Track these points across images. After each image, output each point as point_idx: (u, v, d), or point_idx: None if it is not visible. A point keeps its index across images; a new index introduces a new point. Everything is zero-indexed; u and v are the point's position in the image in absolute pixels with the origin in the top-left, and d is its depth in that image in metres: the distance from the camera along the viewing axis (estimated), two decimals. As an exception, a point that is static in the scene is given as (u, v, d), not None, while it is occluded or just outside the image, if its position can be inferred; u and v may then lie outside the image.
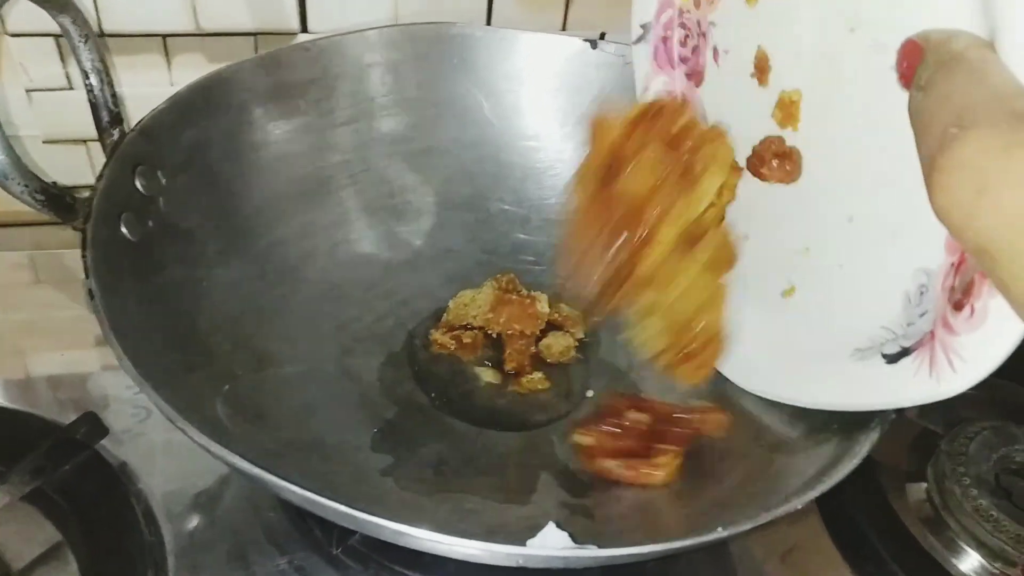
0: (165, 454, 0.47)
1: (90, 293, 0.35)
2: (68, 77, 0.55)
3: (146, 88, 0.55)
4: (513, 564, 0.33)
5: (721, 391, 0.47)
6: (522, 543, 0.34)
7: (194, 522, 0.44)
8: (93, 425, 0.45)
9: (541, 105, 0.57)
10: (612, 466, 0.42)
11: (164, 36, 0.55)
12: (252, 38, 0.57)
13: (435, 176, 0.56)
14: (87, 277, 0.35)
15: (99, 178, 0.39)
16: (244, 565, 0.43)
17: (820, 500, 0.47)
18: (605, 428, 0.43)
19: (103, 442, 0.46)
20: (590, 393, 0.50)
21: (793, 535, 0.47)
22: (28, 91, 0.55)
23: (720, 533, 0.32)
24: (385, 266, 0.54)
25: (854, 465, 0.36)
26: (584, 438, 0.44)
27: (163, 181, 0.44)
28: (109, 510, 0.43)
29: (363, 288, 0.52)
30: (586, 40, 0.56)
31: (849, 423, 0.39)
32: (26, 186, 0.37)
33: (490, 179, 0.57)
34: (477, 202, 0.57)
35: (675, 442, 0.42)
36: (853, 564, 0.46)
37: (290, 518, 0.45)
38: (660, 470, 0.41)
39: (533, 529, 0.39)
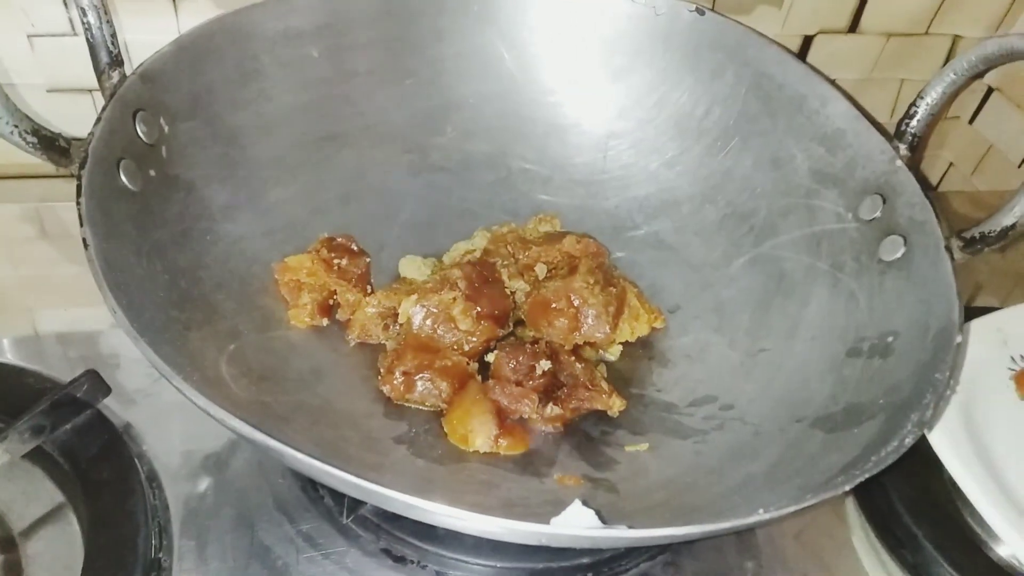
0: (174, 416, 0.45)
1: (84, 243, 0.32)
2: (71, 22, 0.53)
3: (152, 35, 0.52)
4: (534, 543, 0.30)
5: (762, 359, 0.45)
6: (545, 521, 0.31)
7: (201, 486, 0.43)
8: (94, 383, 0.43)
9: (567, 58, 0.54)
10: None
11: (171, -20, 0.52)
12: (262, -17, 0.53)
13: (453, 132, 0.53)
14: (81, 225, 0.33)
15: (97, 122, 0.37)
16: (251, 531, 0.41)
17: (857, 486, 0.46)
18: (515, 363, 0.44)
19: (109, 403, 0.44)
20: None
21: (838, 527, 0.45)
22: (30, 37, 0.52)
23: (761, 516, 0.29)
24: (400, 225, 0.52)
25: (908, 444, 0.33)
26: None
27: (166, 129, 0.41)
28: (112, 472, 0.42)
29: (375, 248, 0.50)
30: (617, -12, 0.52)
31: (897, 400, 0.37)
32: (15, 126, 0.34)
33: (511, 136, 0.54)
34: (497, 160, 0.54)
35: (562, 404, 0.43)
36: (888, 545, 0.44)
37: (300, 485, 0.43)
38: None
39: (554, 504, 0.37)
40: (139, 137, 0.40)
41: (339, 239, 0.48)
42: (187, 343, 0.36)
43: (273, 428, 0.31)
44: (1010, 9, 0.67)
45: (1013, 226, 0.39)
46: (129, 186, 0.38)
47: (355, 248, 0.49)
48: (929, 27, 0.66)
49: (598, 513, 0.31)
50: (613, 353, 0.47)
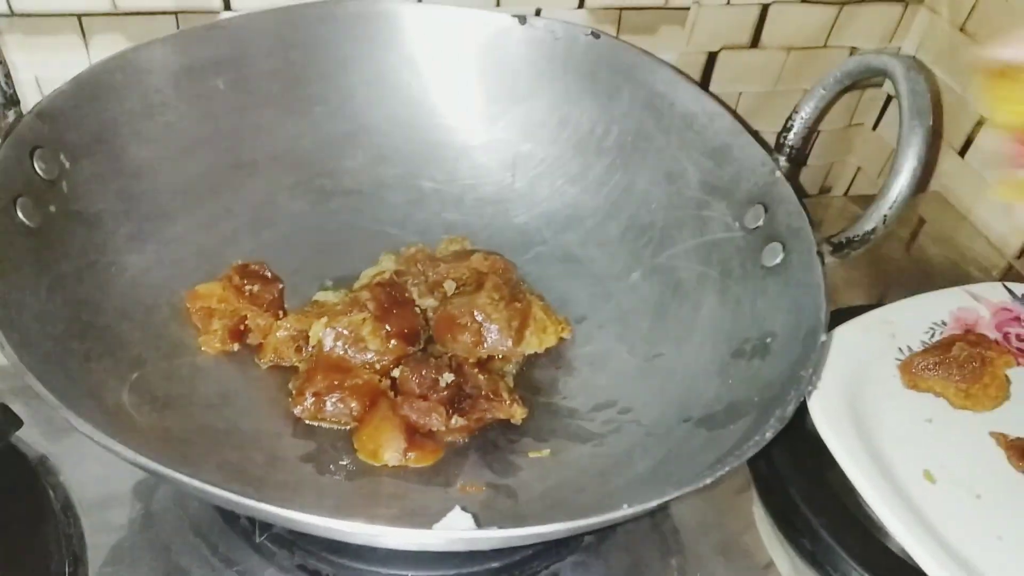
0: (91, 446, 0.45)
1: (-26, 281, 0.33)
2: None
3: (63, 70, 0.53)
4: (416, 548, 0.32)
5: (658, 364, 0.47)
6: (428, 527, 0.33)
7: (118, 513, 0.43)
8: (5, 416, 0.44)
9: (471, 82, 0.56)
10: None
11: (80, 16, 0.53)
12: (174, 17, 0.55)
13: (364, 156, 0.55)
14: (-29, 264, 0.34)
15: (-9, 162, 0.38)
16: (168, 557, 0.42)
17: (758, 477, 0.48)
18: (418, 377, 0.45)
19: (25, 435, 0.45)
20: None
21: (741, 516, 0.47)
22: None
23: (625, 510, 0.31)
24: (315, 248, 0.53)
25: (768, 439, 0.35)
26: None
27: (66, 165, 0.42)
28: (23, 503, 0.42)
29: (290, 271, 0.51)
30: (514, 16, 0.54)
31: (768, 397, 0.39)
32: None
33: (421, 159, 0.56)
34: (409, 182, 0.56)
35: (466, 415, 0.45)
36: (788, 535, 0.46)
37: (216, 508, 0.44)
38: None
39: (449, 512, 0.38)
40: (37, 174, 0.41)
41: (252, 265, 0.50)
42: (88, 374, 0.37)
43: (173, 453, 0.33)
44: (900, 22, 0.71)
45: (873, 230, 0.42)
46: (27, 223, 0.39)
47: (268, 274, 0.50)
48: (827, 40, 0.70)
49: (475, 517, 0.33)
50: (513, 368, 0.49)
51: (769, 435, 0.35)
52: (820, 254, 0.43)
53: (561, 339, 0.51)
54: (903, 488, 0.45)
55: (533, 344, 0.49)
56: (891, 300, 0.57)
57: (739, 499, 0.48)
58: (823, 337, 0.39)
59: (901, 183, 0.40)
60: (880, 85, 0.75)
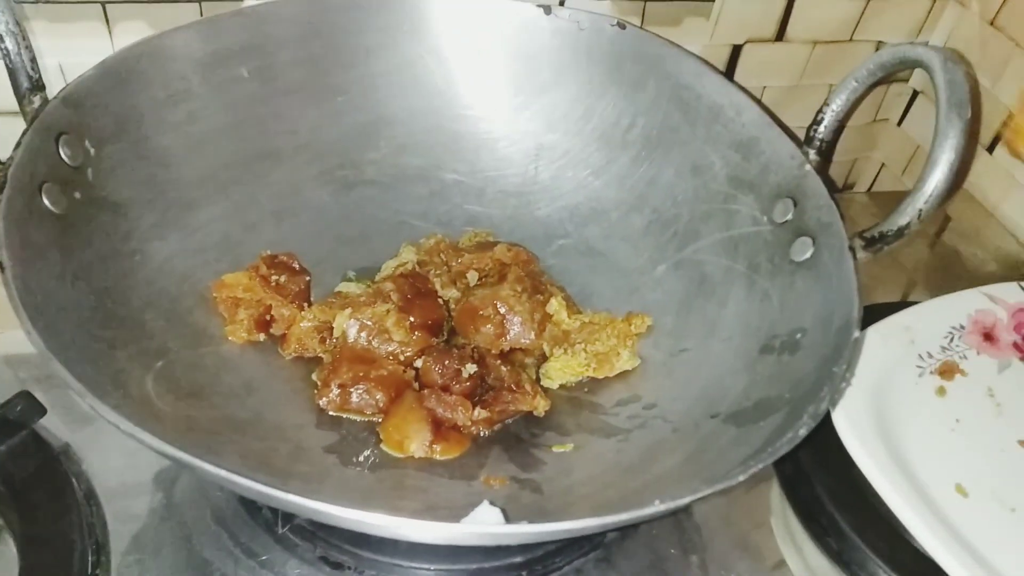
0: (114, 435, 0.45)
1: (0, 266, 0.33)
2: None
3: (86, 57, 0.52)
4: (443, 543, 0.32)
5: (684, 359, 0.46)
6: (455, 521, 0.32)
7: (140, 502, 0.43)
8: (28, 404, 0.44)
9: (495, 73, 0.55)
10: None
11: (104, 3, 0.53)
12: (197, 4, 0.54)
13: (386, 147, 0.54)
14: (-1, 250, 0.34)
15: (16, 146, 0.38)
16: (189, 545, 0.42)
17: (783, 476, 0.47)
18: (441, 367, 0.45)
19: (49, 424, 0.45)
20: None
21: (759, 511, 0.47)
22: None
23: (657, 507, 0.31)
24: (337, 239, 0.53)
25: (802, 435, 0.34)
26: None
27: (91, 151, 0.42)
28: (47, 491, 0.42)
29: (312, 262, 0.51)
30: (539, 6, 0.54)
31: (800, 393, 0.38)
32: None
33: (443, 150, 0.55)
34: (431, 173, 0.55)
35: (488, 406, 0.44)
36: (813, 533, 0.46)
37: (238, 498, 0.44)
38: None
39: (478, 505, 0.38)
40: (63, 160, 0.40)
41: (281, 256, 0.49)
42: (112, 362, 0.37)
43: (199, 443, 0.32)
44: (928, 15, 0.70)
45: (908, 225, 0.41)
46: (53, 209, 0.39)
47: (296, 266, 0.50)
48: (853, 34, 0.69)
49: (504, 511, 0.32)
50: (534, 361, 0.48)
51: (803, 432, 0.34)
52: (852, 249, 0.42)
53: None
54: (936, 504, 0.44)
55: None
56: (915, 298, 0.56)
57: (760, 497, 0.48)
58: (856, 333, 0.38)
59: (937, 177, 0.39)
60: (906, 80, 0.74)
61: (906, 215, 0.41)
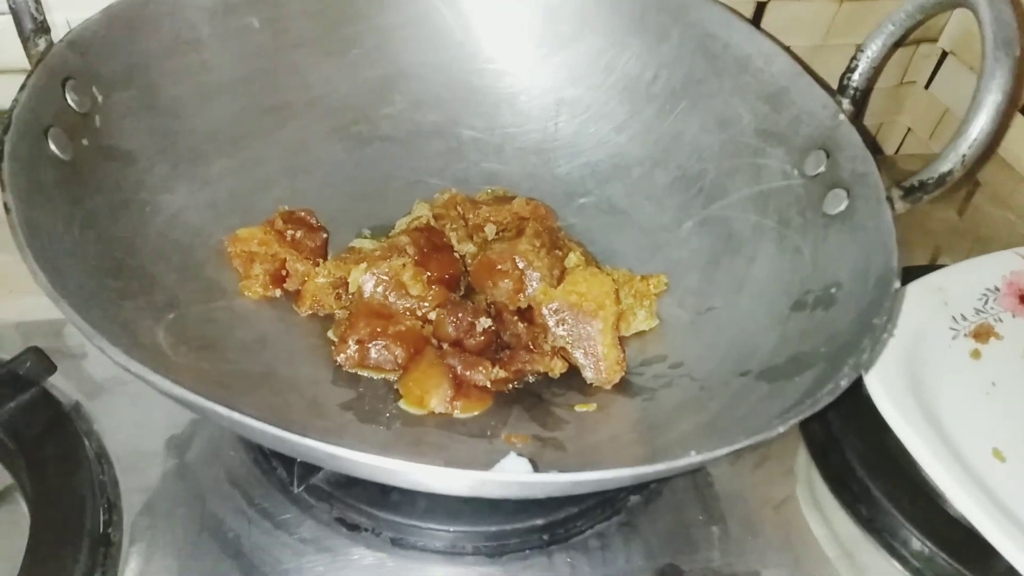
0: (126, 394, 0.44)
1: (5, 207, 0.32)
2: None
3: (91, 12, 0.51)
4: (470, 493, 0.30)
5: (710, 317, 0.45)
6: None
7: (152, 462, 0.42)
8: (38, 360, 0.43)
9: (515, 25, 0.53)
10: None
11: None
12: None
13: (402, 102, 0.53)
14: (3, 191, 0.32)
15: (22, 88, 0.36)
16: (202, 505, 0.41)
17: (813, 442, 0.46)
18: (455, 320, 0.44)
19: (59, 382, 0.44)
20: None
21: (788, 484, 0.45)
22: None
23: (693, 458, 0.29)
24: (351, 196, 0.51)
25: (844, 386, 0.33)
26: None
27: (99, 98, 0.41)
28: (58, 449, 0.41)
29: (325, 219, 0.49)
30: (561, -47, 0.52)
31: (837, 347, 0.37)
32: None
33: (461, 105, 0.53)
34: (447, 129, 0.54)
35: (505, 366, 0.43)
36: (844, 500, 0.44)
37: (252, 458, 0.43)
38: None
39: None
40: (70, 106, 0.39)
41: (300, 212, 0.48)
42: (121, 311, 0.36)
43: (211, 393, 0.31)
44: (961, -29, 0.67)
45: (950, 172, 0.39)
46: (59, 155, 0.38)
47: (314, 222, 0.48)
48: (883, -10, 0.66)
49: (532, 462, 0.31)
50: None
51: (844, 383, 0.33)
52: (889, 199, 0.41)
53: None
54: (974, 469, 0.43)
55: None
56: (943, 261, 0.54)
57: (785, 464, 0.46)
58: (897, 284, 0.37)
59: (983, 119, 0.37)
60: (935, 40, 0.72)
61: (948, 161, 0.39)
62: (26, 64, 0.47)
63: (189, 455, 0.43)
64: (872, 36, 0.45)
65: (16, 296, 0.49)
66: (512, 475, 0.31)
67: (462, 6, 0.53)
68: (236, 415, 0.27)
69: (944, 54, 0.72)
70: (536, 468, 0.32)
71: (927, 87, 0.74)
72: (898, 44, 0.46)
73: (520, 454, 0.33)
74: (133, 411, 0.44)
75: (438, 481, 0.29)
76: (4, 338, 0.47)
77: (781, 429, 0.31)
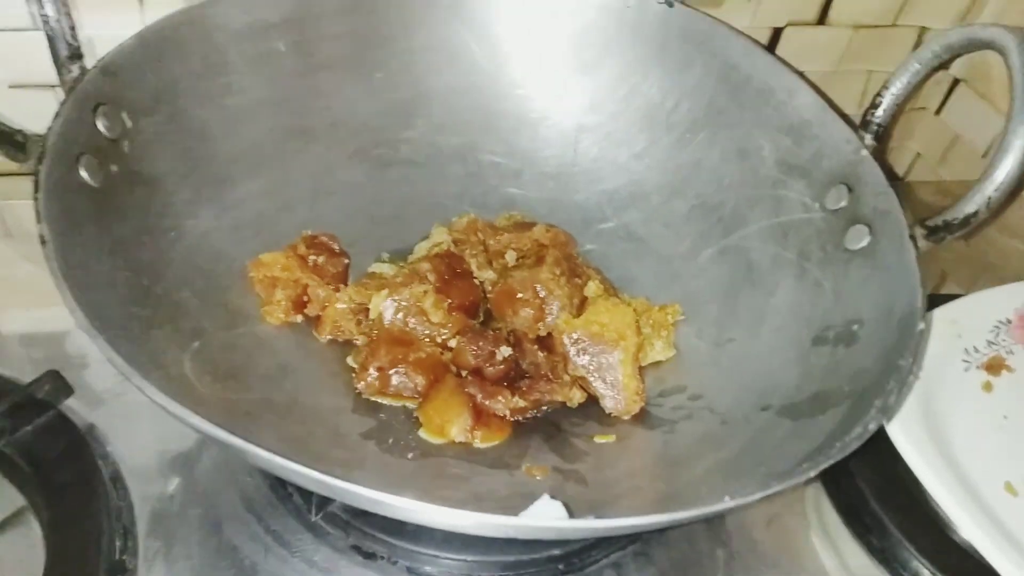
0: (141, 417, 0.44)
1: (42, 239, 0.32)
2: (32, 16, 0.51)
3: (118, 31, 0.51)
4: (503, 536, 0.30)
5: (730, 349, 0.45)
6: (514, 513, 0.31)
7: (167, 486, 0.42)
8: (56, 384, 0.43)
9: (536, 51, 0.53)
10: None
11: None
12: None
13: (423, 125, 0.53)
14: (39, 222, 0.32)
15: (56, 116, 0.36)
16: (218, 531, 0.41)
17: (824, 471, 0.46)
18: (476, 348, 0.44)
19: (73, 404, 0.44)
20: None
21: (799, 514, 0.45)
22: (-10, 32, 0.51)
23: (727, 503, 0.30)
24: (371, 219, 0.51)
25: (872, 430, 0.33)
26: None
27: (128, 123, 0.41)
28: (74, 473, 0.41)
29: (346, 243, 0.49)
30: (586, -19, 0.52)
31: (862, 387, 0.37)
32: (-30, 122, 0.34)
33: (481, 129, 0.54)
34: (467, 153, 0.54)
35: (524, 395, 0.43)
36: (856, 531, 0.45)
37: (268, 484, 0.43)
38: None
39: (523, 496, 0.37)
40: (100, 132, 0.39)
41: (322, 237, 0.48)
42: (149, 341, 0.36)
43: (238, 425, 0.31)
44: (975, 1, 0.68)
45: (975, 213, 0.40)
46: (90, 182, 0.38)
47: (336, 248, 0.48)
48: (896, 19, 0.67)
49: (566, 505, 0.31)
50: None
51: (873, 427, 0.33)
52: (913, 238, 0.41)
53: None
54: (986, 502, 0.43)
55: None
56: (949, 288, 0.54)
57: (795, 493, 0.46)
58: (921, 325, 0.37)
59: (1010, 163, 0.37)
60: (947, 67, 0.72)
61: (974, 203, 0.39)
62: (51, 79, 0.47)
63: (204, 479, 0.43)
64: (898, 74, 0.45)
65: (17, 309, 0.49)
66: (552, 521, 0.31)
67: (485, 31, 0.53)
68: (279, 459, 0.27)
69: (955, 81, 0.73)
70: (569, 511, 0.32)
71: (937, 113, 0.75)
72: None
73: (555, 496, 0.33)
74: (145, 432, 0.43)
75: (476, 526, 0.29)
76: (6, 351, 0.47)
77: (812, 474, 0.31)
